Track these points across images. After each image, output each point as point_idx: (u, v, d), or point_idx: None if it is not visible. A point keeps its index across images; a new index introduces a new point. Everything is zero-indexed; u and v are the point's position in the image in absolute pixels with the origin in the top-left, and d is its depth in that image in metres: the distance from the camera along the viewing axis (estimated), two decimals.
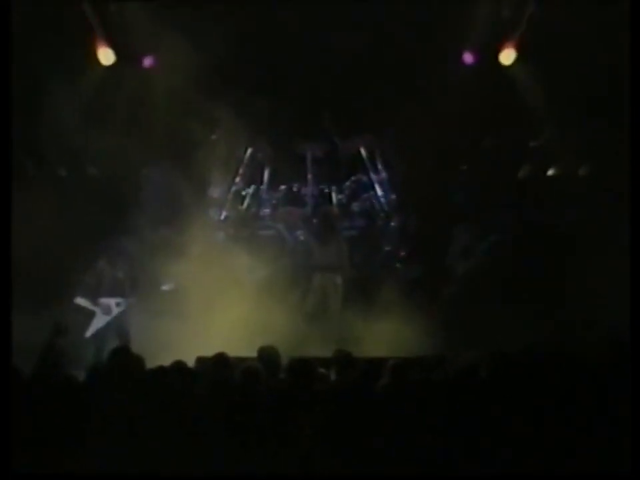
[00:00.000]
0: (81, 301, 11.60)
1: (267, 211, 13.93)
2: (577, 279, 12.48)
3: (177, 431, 6.44)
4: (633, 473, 6.28)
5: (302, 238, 13.58)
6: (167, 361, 7.41)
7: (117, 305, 11.69)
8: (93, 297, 11.63)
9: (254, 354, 8.27)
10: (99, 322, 11.63)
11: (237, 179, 13.96)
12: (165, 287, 11.89)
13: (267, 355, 8.02)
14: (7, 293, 7.11)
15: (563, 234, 13.16)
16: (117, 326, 11.68)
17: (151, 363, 7.48)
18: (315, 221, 13.37)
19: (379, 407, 6.65)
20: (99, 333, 11.59)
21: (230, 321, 11.77)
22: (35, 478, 6.30)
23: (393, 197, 13.89)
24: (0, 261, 7.18)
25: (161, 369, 7.19)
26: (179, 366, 7.31)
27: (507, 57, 13.60)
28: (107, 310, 11.67)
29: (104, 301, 11.67)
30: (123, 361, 7.48)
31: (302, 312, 12.38)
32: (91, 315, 11.65)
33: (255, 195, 13.98)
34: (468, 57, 13.81)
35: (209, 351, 8.17)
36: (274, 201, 13.93)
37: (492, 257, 12.94)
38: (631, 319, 7.03)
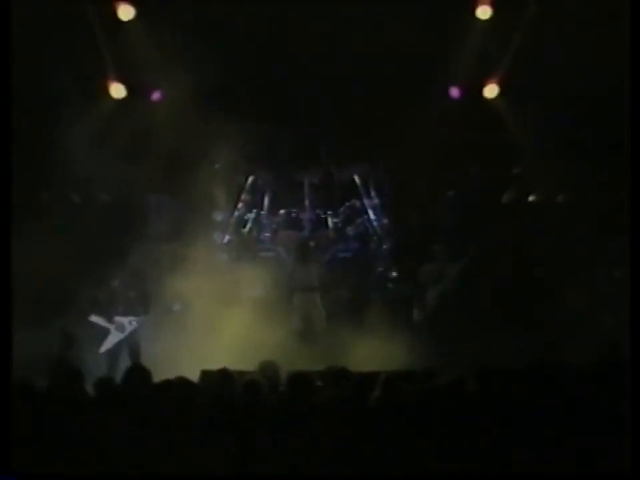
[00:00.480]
0: (95, 318, 11.59)
1: (267, 234, 13.95)
2: (556, 297, 12.59)
3: (181, 440, 6.42)
4: (633, 473, 6.11)
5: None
6: (172, 374, 7.40)
7: (130, 323, 11.68)
8: (107, 314, 11.63)
9: (252, 368, 8.27)
10: (113, 339, 11.60)
11: (239, 205, 13.99)
12: (175, 308, 11.91)
13: (268, 369, 8.03)
14: (7, 306, 7.05)
15: (543, 254, 13.24)
16: (129, 342, 11.67)
17: (157, 377, 7.48)
18: (295, 244, 13.41)
19: (372, 417, 6.66)
20: (112, 349, 11.58)
21: (231, 337, 11.82)
22: (35, 478, 6.22)
23: (385, 221, 13.93)
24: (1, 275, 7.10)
25: (167, 383, 7.18)
26: (182, 380, 7.31)
27: (491, 91, 13.84)
28: (121, 328, 11.65)
29: (118, 319, 11.65)
30: (136, 376, 7.48)
31: (290, 330, 12.40)
32: (103, 331, 11.63)
33: (256, 219, 14.02)
34: (455, 91, 14.00)
35: (211, 365, 8.17)
36: (274, 225, 13.96)
37: (475, 277, 12.97)
38: (631, 319, 6.93)
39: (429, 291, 12.57)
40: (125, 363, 11.38)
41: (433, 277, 12.63)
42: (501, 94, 13.86)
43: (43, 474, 6.19)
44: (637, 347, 6.69)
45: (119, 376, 7.73)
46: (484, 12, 13.40)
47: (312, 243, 13.50)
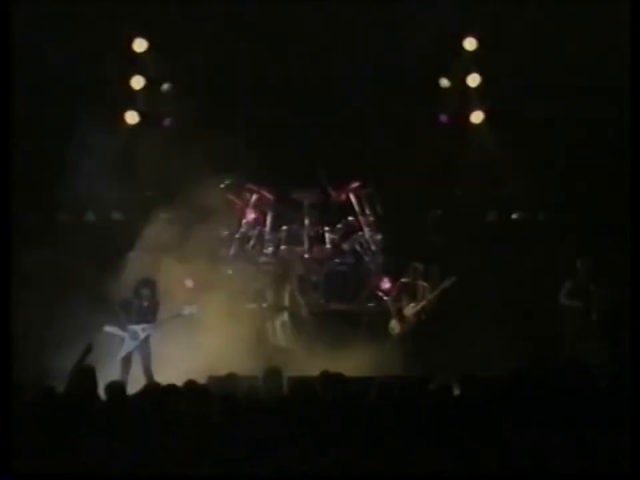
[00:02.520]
0: (110, 329, 11.49)
1: (269, 249, 13.89)
2: (538, 311, 12.62)
3: (186, 441, 6.34)
4: (633, 473, 5.94)
5: (301, 272, 13.67)
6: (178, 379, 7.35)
7: (143, 330, 11.57)
8: (122, 324, 11.53)
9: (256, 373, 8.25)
10: (128, 346, 11.49)
11: (244, 222, 13.95)
12: (184, 312, 11.81)
13: (271, 374, 7.97)
14: (7, 310, 7.00)
15: (525, 269, 13.28)
16: (140, 349, 11.56)
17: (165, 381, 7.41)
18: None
19: (367, 420, 6.61)
20: (125, 358, 11.47)
21: (235, 345, 11.86)
22: (35, 478, 6.08)
23: (378, 237, 13.89)
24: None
25: (174, 387, 7.11)
26: (190, 384, 7.26)
27: (477, 117, 13.94)
28: (135, 335, 11.54)
29: (132, 327, 11.55)
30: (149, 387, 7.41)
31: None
32: (118, 340, 11.54)
33: (259, 235, 13.96)
34: (443, 117, 14.06)
35: (216, 370, 8.14)
36: (276, 241, 13.92)
37: (461, 291, 12.97)
38: (631, 320, 6.82)
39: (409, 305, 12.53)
40: (137, 368, 11.33)
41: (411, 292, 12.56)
42: (485, 120, 13.93)
43: (43, 474, 6.05)
44: (637, 347, 6.56)
45: (131, 381, 7.71)
46: (470, 44, 13.52)
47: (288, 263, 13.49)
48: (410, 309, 12.47)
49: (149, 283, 11.77)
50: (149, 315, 11.63)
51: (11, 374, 6.97)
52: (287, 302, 12.67)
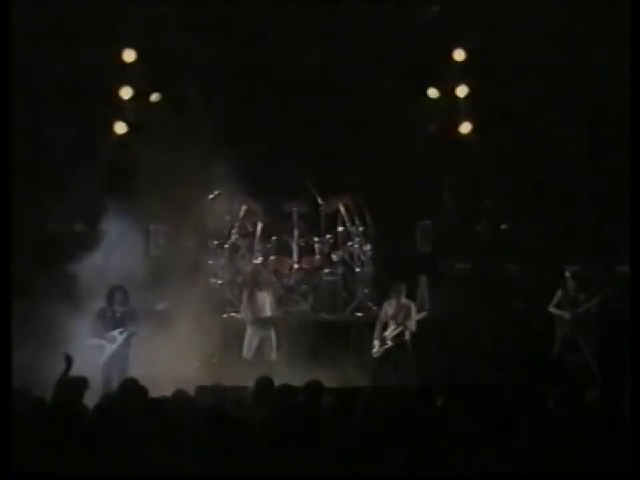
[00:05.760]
0: (92, 341, 11.44)
1: (259, 259, 13.89)
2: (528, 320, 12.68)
3: (176, 449, 6.33)
4: (633, 473, 5.92)
5: (291, 282, 13.67)
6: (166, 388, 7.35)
7: (120, 333, 11.46)
8: (100, 333, 11.46)
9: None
10: (107, 352, 11.42)
11: (233, 232, 13.95)
12: (157, 307, 11.67)
13: (262, 384, 7.97)
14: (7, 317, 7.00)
15: (511, 278, 13.34)
16: (118, 356, 11.48)
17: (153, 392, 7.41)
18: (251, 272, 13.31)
19: (355, 429, 6.62)
20: (106, 364, 11.41)
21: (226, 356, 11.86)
22: (35, 478, 6.09)
23: (367, 247, 13.90)
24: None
25: (162, 398, 7.11)
26: (179, 394, 7.26)
27: (465, 127, 14.02)
28: (112, 339, 11.45)
29: (109, 333, 11.47)
30: (130, 391, 7.40)
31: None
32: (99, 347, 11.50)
33: (248, 245, 13.97)
34: (432, 128, 14.16)
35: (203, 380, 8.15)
36: (265, 251, 13.91)
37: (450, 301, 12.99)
38: (632, 319, 6.83)
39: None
40: (119, 375, 11.25)
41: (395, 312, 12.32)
42: (473, 130, 14.01)
43: (43, 474, 6.07)
44: (637, 348, 6.57)
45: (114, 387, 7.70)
46: (459, 55, 13.63)
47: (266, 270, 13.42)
48: (391, 332, 12.22)
49: (119, 290, 11.63)
50: (123, 322, 11.51)
51: (11, 382, 6.97)
52: (266, 313, 12.54)
